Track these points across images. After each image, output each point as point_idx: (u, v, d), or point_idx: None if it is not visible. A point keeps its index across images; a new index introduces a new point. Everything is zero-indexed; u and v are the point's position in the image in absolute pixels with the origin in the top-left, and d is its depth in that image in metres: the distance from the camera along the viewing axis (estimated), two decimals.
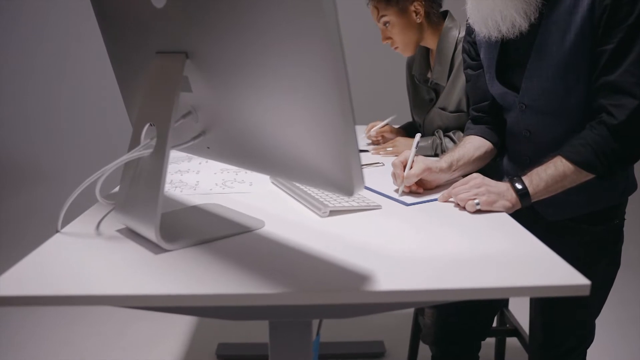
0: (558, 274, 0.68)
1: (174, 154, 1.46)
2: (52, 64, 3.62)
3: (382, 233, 0.85)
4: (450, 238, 0.82)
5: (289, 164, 0.74)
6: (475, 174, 1.01)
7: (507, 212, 0.95)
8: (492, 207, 0.94)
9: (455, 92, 1.54)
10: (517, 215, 0.95)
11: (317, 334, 1.10)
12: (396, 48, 1.62)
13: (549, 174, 0.98)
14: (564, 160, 0.99)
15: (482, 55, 1.20)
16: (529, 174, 1.00)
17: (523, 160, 1.17)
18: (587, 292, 0.65)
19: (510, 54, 1.13)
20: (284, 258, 0.74)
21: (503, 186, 0.98)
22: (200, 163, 1.33)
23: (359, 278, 0.67)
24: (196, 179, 1.18)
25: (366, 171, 1.30)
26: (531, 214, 1.16)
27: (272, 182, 1.14)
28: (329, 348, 1.94)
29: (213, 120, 0.83)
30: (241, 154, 0.82)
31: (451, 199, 1.01)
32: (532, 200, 0.98)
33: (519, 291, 0.65)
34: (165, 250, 0.76)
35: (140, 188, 0.80)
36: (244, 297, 0.64)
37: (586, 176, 0.99)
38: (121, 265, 0.72)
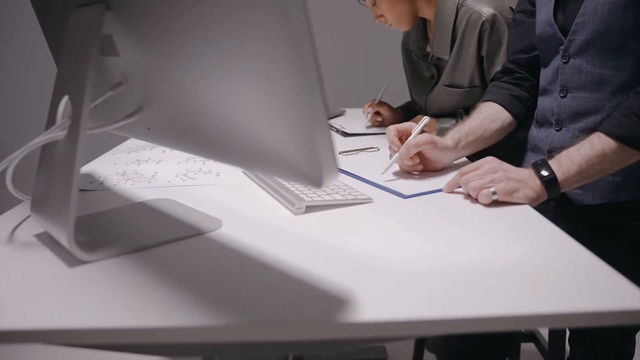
0: (610, 291, 0.49)
1: (134, 142, 1.27)
2: None
3: (371, 236, 0.66)
4: (460, 241, 0.63)
5: (244, 148, 0.55)
6: (489, 157, 0.81)
7: (530, 204, 0.76)
8: (512, 197, 0.75)
9: (465, 65, 1.34)
10: (537, 208, 0.77)
11: None
12: (391, 25, 1.44)
13: (583, 154, 0.79)
14: (602, 136, 0.79)
15: None
16: (557, 156, 0.81)
17: (554, 128, 0.98)
18: None
19: None
20: (237, 273, 0.55)
21: (525, 172, 0.79)
22: (163, 151, 1.15)
23: (336, 303, 0.48)
24: (155, 169, 0.99)
25: (358, 157, 1.11)
26: (555, 204, 0.97)
27: (244, 172, 0.96)
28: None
29: (150, 94, 0.64)
30: (187, 135, 0.64)
31: (459, 189, 0.82)
32: (562, 189, 0.79)
33: (558, 320, 0.46)
34: (84, 262, 0.58)
35: (54, 180, 0.62)
36: (172, 332, 0.46)
37: (632, 156, 0.79)
38: (25, 283, 0.54)
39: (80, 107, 0.58)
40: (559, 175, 0.78)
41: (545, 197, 0.78)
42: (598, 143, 0.79)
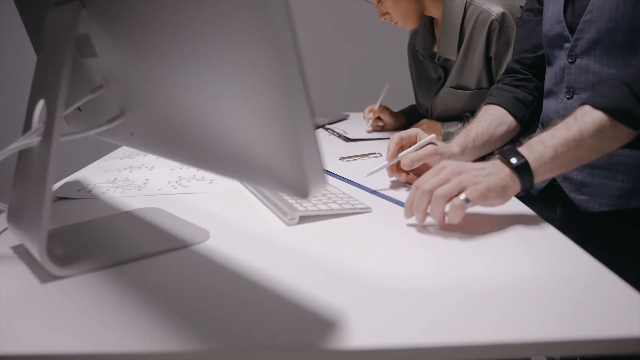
0: (624, 312, 0.44)
1: (129, 148, 1.23)
2: None
3: (368, 249, 0.62)
4: (463, 254, 0.59)
5: (228, 155, 0.51)
6: (445, 161, 0.71)
7: (503, 200, 0.67)
8: (487, 200, 0.65)
9: (473, 66, 1.29)
10: (543, 215, 0.71)
11: None
12: (396, 23, 1.40)
13: (559, 137, 0.69)
14: (587, 108, 0.71)
15: None
16: (527, 142, 0.72)
17: None
18: None
19: None
20: (220, 291, 0.51)
21: (488, 164, 0.69)
22: (157, 158, 1.11)
23: (327, 326, 0.44)
24: (147, 176, 0.96)
25: (359, 163, 1.07)
26: (561, 211, 0.92)
27: (239, 181, 0.91)
28: None
29: (132, 98, 0.60)
30: (170, 142, 0.60)
31: (412, 220, 0.70)
32: (537, 179, 0.69)
33: (569, 347, 0.41)
34: (58, 277, 0.54)
35: (29, 189, 0.58)
36: (148, 358, 0.41)
37: (614, 135, 0.69)
38: None
39: (54, 111, 0.54)
40: (532, 161, 0.68)
41: (517, 188, 0.68)
42: (574, 125, 0.70)
